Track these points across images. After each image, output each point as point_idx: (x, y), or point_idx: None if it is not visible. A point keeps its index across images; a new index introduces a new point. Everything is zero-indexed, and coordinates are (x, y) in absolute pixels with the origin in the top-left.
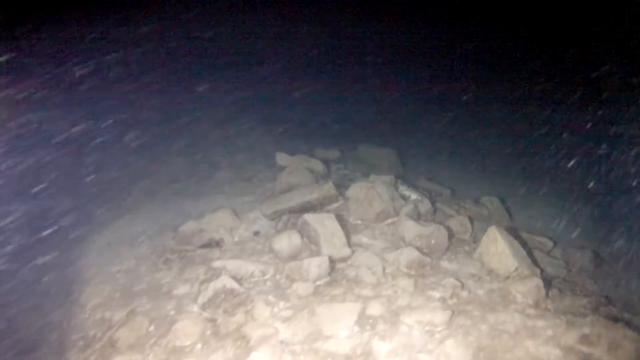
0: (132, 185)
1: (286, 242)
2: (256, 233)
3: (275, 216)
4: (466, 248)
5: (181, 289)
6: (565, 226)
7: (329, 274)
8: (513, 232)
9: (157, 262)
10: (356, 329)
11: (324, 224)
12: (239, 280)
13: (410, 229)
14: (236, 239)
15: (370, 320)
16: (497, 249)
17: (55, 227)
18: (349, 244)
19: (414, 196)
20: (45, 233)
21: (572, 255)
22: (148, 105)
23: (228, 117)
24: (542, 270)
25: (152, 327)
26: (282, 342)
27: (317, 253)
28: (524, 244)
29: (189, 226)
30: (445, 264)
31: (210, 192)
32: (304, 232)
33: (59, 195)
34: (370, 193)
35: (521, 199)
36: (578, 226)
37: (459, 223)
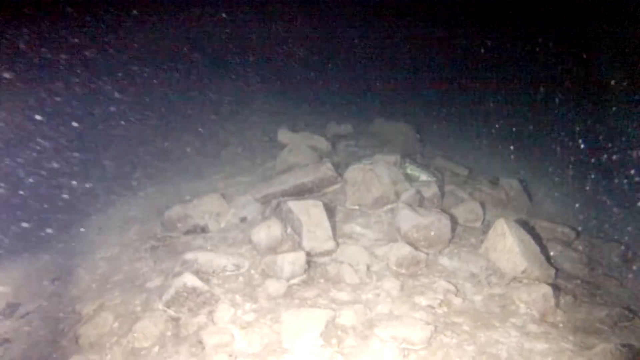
0: (138, 164)
1: (264, 232)
2: (243, 219)
3: (266, 200)
4: (472, 240)
5: (155, 281)
6: (597, 213)
7: (306, 271)
8: (532, 220)
9: (139, 249)
10: (319, 342)
11: (308, 213)
12: (210, 274)
13: (406, 218)
14: (222, 225)
15: (339, 332)
16: (505, 245)
17: (52, 209)
18: (336, 234)
19: (423, 177)
20: (38, 217)
21: (598, 249)
22: (160, 84)
23: (242, 94)
24: (557, 270)
25: (116, 324)
26: (231, 355)
27: (300, 245)
28: (542, 235)
29: (174, 211)
30: (444, 260)
31: (211, 171)
32: (288, 221)
33: (60, 175)
34: (369, 176)
35: (548, 181)
36: (611, 214)
37: (468, 210)
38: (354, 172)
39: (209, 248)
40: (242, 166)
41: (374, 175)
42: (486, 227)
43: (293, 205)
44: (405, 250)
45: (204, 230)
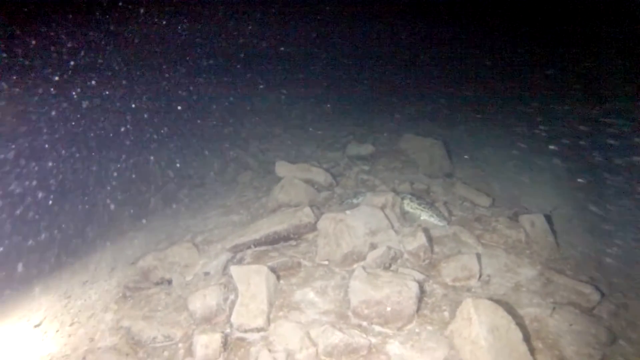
0: (159, 189)
1: (200, 302)
2: (206, 274)
3: (237, 250)
4: (446, 314)
5: (107, 341)
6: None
7: (222, 353)
8: (547, 273)
9: (113, 299)
10: None
11: (248, 281)
12: (140, 345)
13: (356, 291)
14: (189, 278)
15: None
16: (470, 334)
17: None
18: (282, 304)
19: (424, 215)
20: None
21: (628, 317)
22: (188, 104)
23: (276, 114)
24: None
25: None
26: None
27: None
28: (554, 296)
29: (146, 261)
30: (394, 346)
31: (215, 204)
32: (231, 286)
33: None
34: (339, 228)
35: (589, 215)
36: None
37: (460, 266)
38: (325, 222)
39: (160, 309)
40: (245, 199)
41: (344, 227)
42: (484, 285)
43: (234, 270)
44: (335, 338)
45: (170, 283)
